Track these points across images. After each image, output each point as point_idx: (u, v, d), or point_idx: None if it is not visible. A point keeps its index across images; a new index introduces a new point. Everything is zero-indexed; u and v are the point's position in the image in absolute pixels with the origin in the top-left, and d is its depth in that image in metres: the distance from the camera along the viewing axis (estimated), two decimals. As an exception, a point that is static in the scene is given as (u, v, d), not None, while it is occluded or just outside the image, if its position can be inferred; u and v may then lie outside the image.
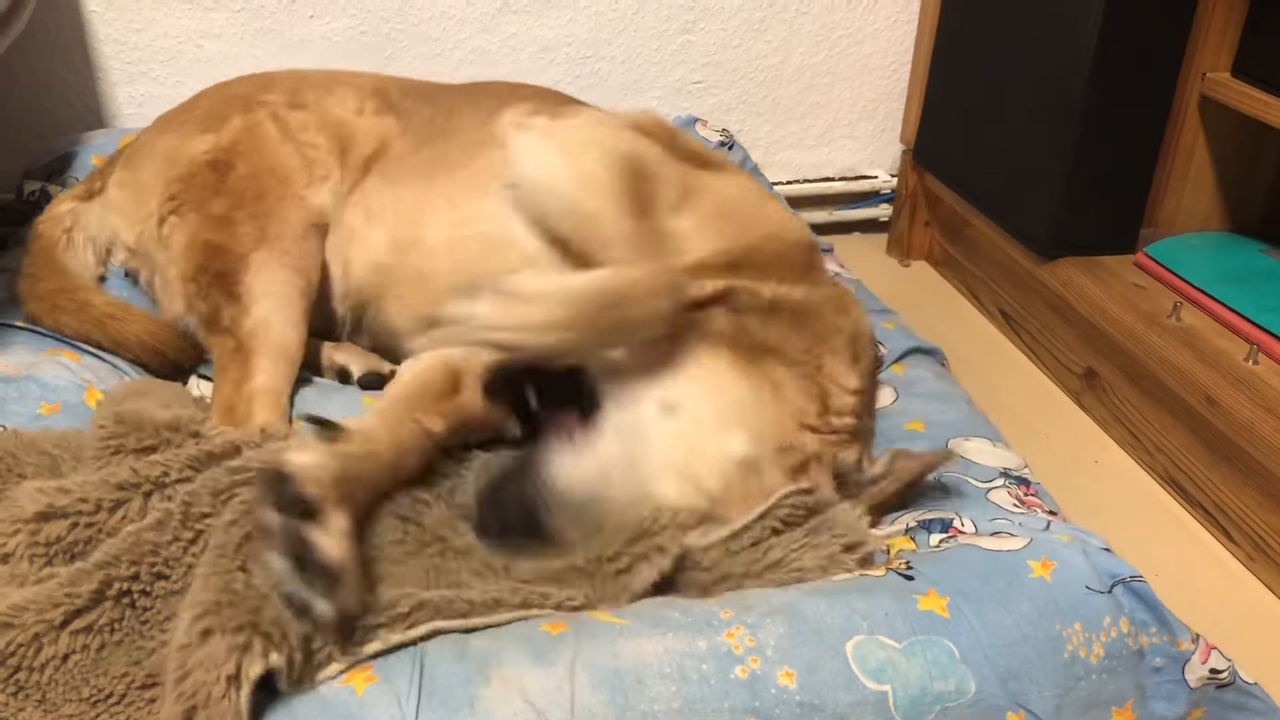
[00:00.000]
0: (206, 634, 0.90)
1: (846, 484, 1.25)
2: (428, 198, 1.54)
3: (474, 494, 1.15)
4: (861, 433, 1.33)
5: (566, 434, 1.12)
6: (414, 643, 0.99)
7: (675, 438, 1.16)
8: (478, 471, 1.22)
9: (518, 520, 1.08)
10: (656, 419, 1.16)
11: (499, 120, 1.54)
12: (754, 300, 1.27)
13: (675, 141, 1.45)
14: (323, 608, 0.91)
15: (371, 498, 1.09)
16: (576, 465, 1.10)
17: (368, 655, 0.97)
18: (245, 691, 0.89)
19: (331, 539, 0.94)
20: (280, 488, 0.94)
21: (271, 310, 1.46)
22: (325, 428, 1.07)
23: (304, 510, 0.93)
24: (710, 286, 1.26)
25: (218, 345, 1.47)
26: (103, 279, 1.67)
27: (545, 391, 1.15)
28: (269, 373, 1.43)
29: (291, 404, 1.47)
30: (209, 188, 1.53)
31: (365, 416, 1.19)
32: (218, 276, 1.48)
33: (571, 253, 1.32)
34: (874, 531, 1.24)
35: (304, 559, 0.91)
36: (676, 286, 1.19)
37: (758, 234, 1.37)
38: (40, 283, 1.57)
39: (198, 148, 1.57)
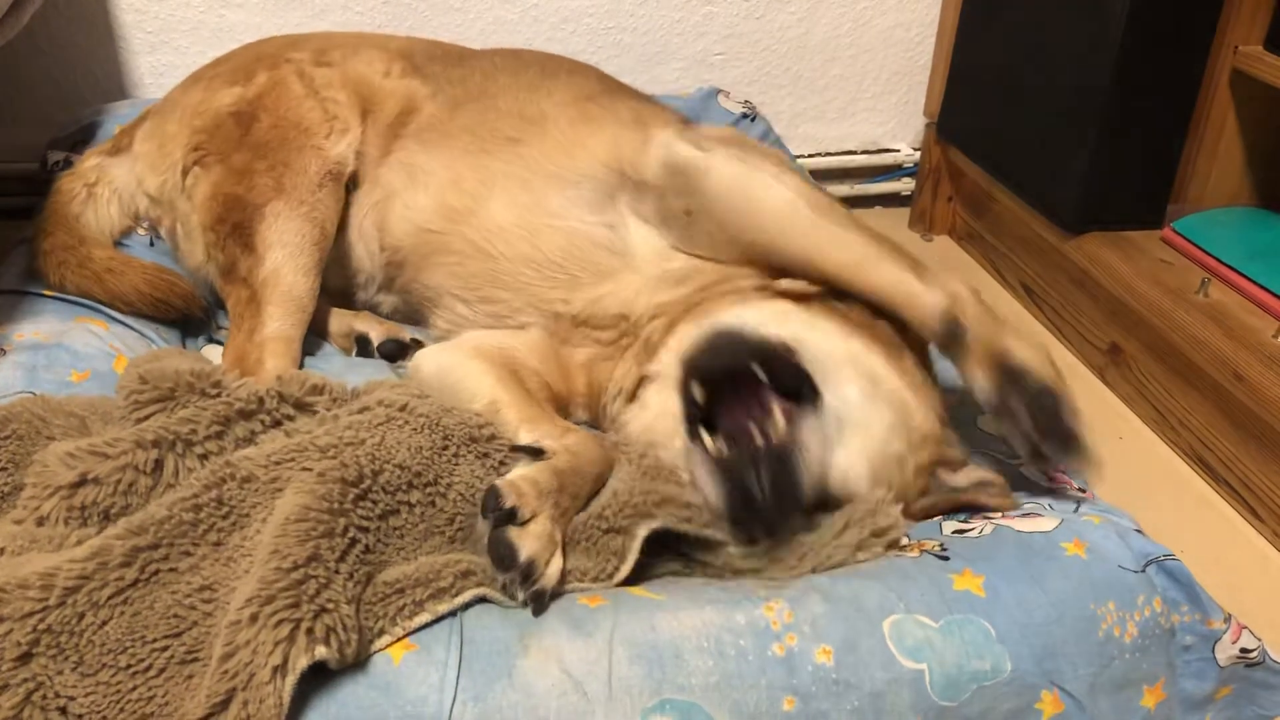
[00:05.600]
0: (254, 618, 0.91)
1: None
2: (486, 170, 1.52)
3: (715, 474, 1.11)
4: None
5: (785, 417, 1.12)
6: (454, 612, 1.00)
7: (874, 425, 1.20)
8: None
9: (781, 500, 1.09)
10: (861, 403, 1.19)
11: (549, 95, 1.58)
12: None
13: None
14: (521, 595, 1.02)
15: (576, 503, 1.15)
16: (820, 446, 1.14)
17: (415, 629, 0.97)
18: (290, 680, 0.89)
19: (528, 540, 1.03)
20: (490, 500, 1.06)
21: (284, 259, 1.49)
22: (534, 454, 1.19)
23: (507, 518, 1.04)
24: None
25: (233, 295, 1.51)
26: (119, 242, 1.66)
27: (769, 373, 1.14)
28: (280, 320, 1.48)
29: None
30: (232, 140, 1.55)
31: (568, 436, 1.22)
32: (235, 228, 1.51)
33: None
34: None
35: (505, 557, 1.02)
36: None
37: None
38: (48, 237, 1.58)
39: (223, 100, 1.59)
